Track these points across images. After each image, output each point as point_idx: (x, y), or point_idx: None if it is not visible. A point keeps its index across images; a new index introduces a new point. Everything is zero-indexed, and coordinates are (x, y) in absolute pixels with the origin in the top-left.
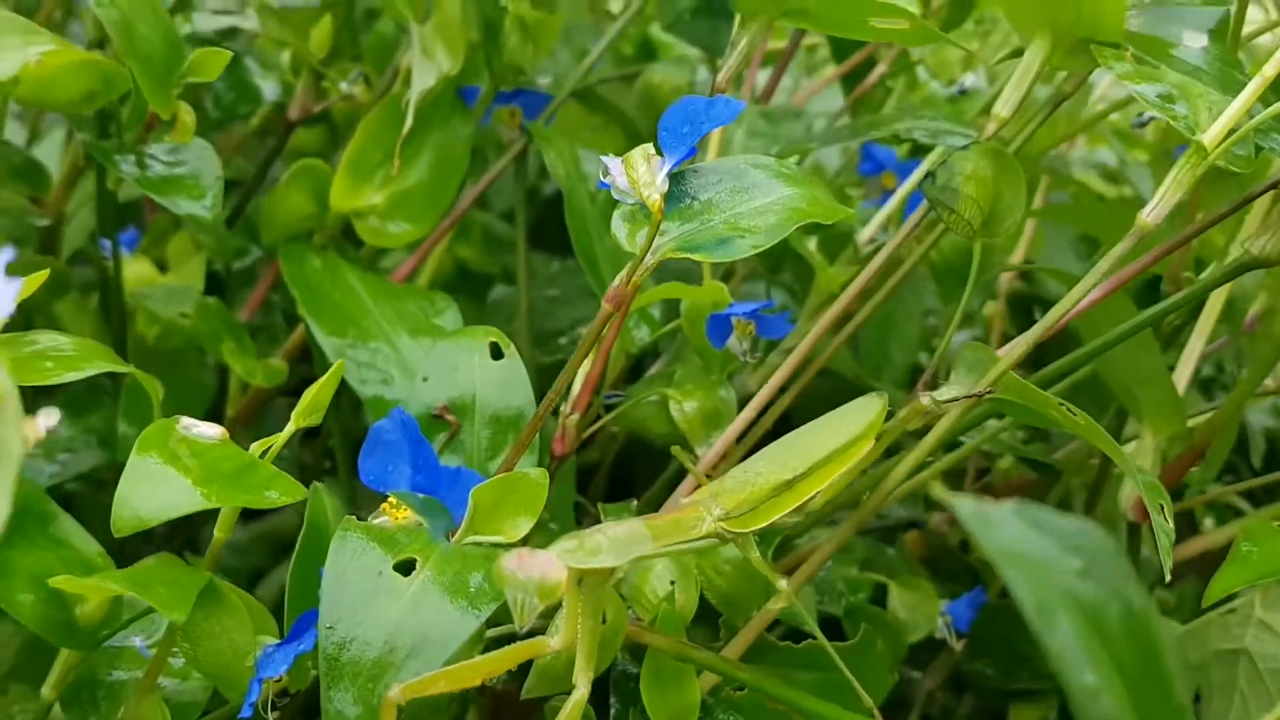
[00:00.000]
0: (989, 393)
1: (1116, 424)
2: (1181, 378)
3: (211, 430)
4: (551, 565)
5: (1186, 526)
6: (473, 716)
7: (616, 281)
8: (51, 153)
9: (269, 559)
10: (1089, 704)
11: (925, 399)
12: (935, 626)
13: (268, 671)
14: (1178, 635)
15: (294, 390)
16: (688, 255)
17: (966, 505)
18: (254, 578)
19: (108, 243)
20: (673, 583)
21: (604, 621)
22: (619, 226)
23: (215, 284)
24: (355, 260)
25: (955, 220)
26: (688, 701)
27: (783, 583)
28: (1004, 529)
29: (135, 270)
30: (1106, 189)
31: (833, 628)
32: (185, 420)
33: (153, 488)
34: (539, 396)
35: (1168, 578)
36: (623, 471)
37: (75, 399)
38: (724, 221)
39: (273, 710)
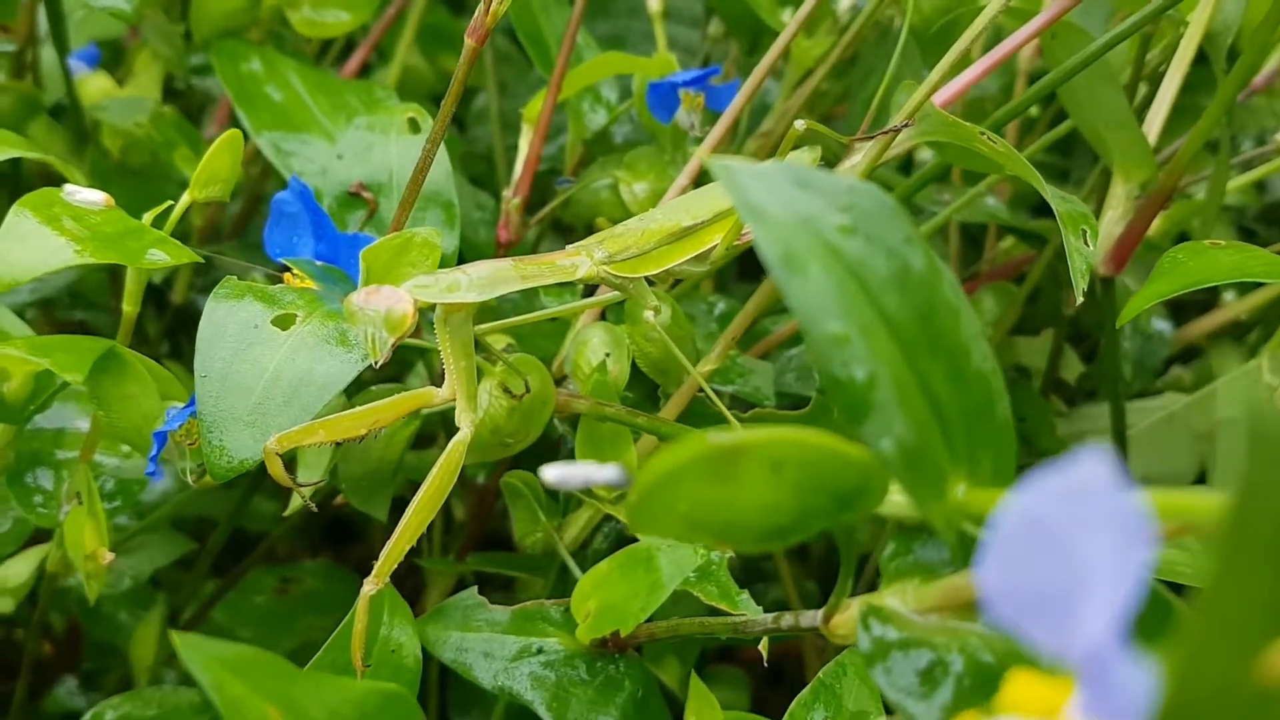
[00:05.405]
0: (905, 126)
1: (1104, 180)
2: (1155, 120)
3: (95, 196)
4: (398, 298)
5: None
6: (459, 511)
7: (477, 13)
8: None
9: None
10: (833, 352)
11: (801, 125)
12: None
13: (166, 428)
14: (1183, 405)
15: None
16: None
17: (722, 161)
18: None
19: (76, 62)
20: (608, 355)
21: (528, 390)
22: None
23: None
24: (298, 56)
25: None
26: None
27: (651, 314)
28: (760, 184)
29: (96, 85)
30: None
31: None
32: (69, 187)
33: (27, 246)
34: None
35: (1079, 299)
36: None
37: None
38: None
39: (191, 474)
